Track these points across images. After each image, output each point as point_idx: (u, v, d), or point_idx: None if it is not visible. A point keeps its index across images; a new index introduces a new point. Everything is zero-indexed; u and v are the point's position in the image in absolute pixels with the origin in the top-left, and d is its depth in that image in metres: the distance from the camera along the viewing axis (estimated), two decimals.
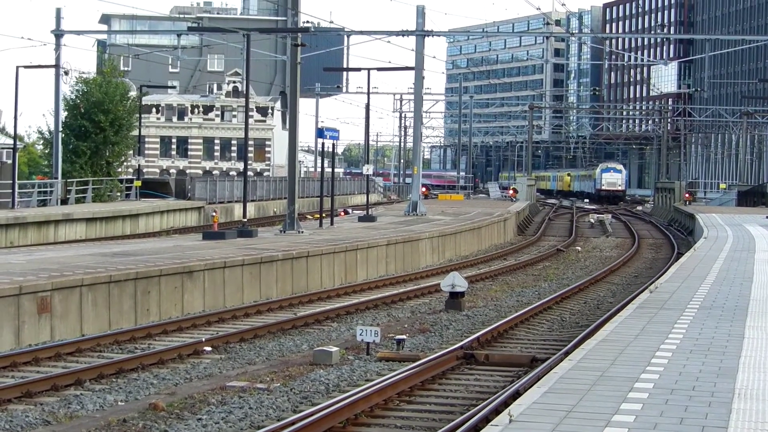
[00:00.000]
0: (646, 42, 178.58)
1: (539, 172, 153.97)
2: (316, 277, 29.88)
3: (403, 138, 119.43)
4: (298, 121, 40.33)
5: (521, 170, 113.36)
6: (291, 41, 41.83)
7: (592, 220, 70.57)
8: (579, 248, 48.62)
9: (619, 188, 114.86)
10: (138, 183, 61.41)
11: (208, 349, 19.30)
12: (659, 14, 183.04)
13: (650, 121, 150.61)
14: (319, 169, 59.84)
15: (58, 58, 53.97)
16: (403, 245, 36.60)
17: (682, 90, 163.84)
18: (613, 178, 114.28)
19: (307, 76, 66.15)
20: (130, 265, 23.87)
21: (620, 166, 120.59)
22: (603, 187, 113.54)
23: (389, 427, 13.92)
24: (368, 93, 53.98)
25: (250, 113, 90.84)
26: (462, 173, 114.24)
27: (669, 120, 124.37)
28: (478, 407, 14.23)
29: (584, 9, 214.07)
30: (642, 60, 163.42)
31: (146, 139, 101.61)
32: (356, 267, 32.51)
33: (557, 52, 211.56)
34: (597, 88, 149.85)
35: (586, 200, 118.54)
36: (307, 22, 66.19)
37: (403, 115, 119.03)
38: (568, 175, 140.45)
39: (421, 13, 52.24)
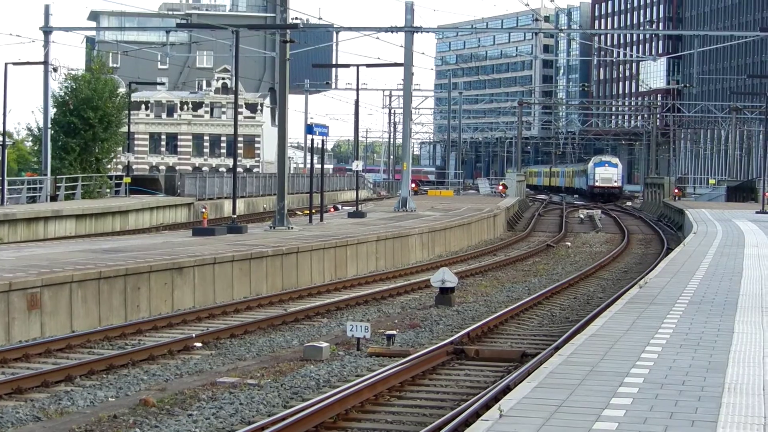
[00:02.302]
0: (634, 38, 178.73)
1: (551, 167, 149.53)
2: (306, 273, 29.87)
3: (392, 134, 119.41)
4: (287, 117, 40.30)
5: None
6: (280, 38, 41.75)
7: (581, 216, 70.64)
8: (569, 244, 48.65)
9: (615, 184, 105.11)
10: (127, 179, 61.33)
11: (199, 345, 19.30)
12: (648, 10, 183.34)
13: (639, 117, 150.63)
14: (308, 165, 59.77)
15: (46, 55, 53.90)
16: (392, 241, 36.59)
17: (671, 86, 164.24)
18: (607, 173, 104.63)
19: (296, 73, 66.01)
20: (120, 261, 23.85)
21: (615, 160, 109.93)
22: (596, 184, 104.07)
23: (380, 422, 13.92)
24: (357, 89, 53.86)
25: (240, 110, 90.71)
26: (433, 168, 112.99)
27: (658, 116, 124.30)
28: (468, 402, 14.24)
29: (573, 5, 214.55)
30: (631, 56, 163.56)
31: (135, 136, 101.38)
32: (346, 263, 32.50)
33: (546, 49, 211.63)
34: (586, 84, 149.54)
35: (576, 195, 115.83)
36: (296, 18, 66.20)
37: (392, 111, 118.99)
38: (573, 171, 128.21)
39: (410, 9, 52.20)
